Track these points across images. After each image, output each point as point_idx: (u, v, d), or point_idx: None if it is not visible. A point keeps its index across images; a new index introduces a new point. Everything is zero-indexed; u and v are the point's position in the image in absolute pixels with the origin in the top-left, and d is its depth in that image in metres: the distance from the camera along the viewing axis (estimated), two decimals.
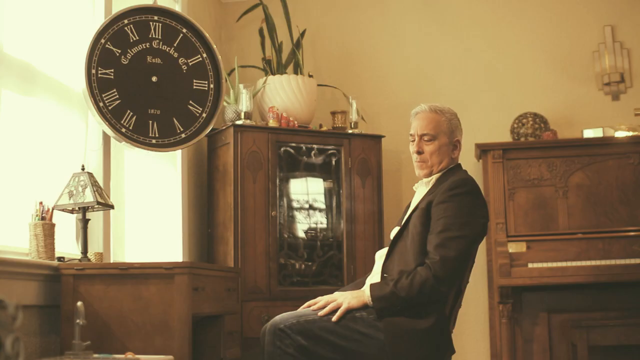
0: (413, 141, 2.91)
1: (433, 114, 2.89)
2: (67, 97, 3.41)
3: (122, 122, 3.52)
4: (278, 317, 2.72)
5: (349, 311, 2.71)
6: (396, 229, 2.91)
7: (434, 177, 2.88)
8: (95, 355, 2.64)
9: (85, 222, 3.11)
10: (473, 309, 4.79)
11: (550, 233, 4.48)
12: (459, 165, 2.94)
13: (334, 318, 2.66)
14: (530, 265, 4.39)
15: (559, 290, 4.58)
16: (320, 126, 4.66)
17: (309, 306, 2.89)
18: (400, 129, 4.70)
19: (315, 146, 4.51)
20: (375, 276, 2.86)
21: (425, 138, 2.87)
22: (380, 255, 2.90)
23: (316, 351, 2.66)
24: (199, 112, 3.84)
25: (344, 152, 4.55)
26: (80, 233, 3.16)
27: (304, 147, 4.48)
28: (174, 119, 3.74)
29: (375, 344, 2.66)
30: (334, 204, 4.51)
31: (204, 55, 3.90)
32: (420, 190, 2.94)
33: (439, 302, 2.69)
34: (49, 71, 3.26)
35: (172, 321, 2.84)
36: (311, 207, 4.48)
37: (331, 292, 3.07)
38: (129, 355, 2.62)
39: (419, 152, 2.88)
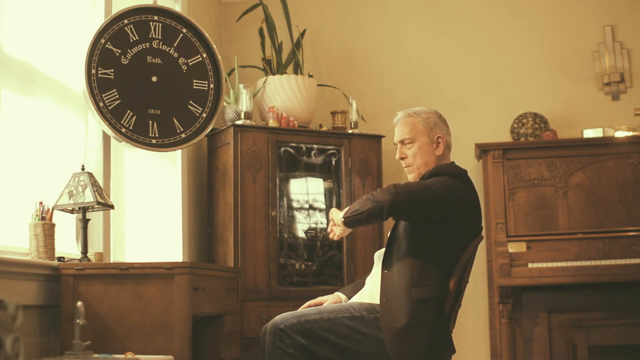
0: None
1: (408, 118, 2.92)
2: (67, 97, 3.41)
3: (122, 122, 3.52)
4: (278, 317, 2.72)
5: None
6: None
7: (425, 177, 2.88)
8: (95, 355, 2.64)
9: (85, 222, 3.11)
10: (473, 309, 4.79)
11: (550, 233, 4.48)
12: (452, 163, 2.92)
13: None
14: (530, 265, 4.39)
15: (559, 290, 4.58)
16: (320, 126, 4.66)
17: (309, 306, 2.89)
18: None
19: (315, 146, 4.50)
20: (374, 277, 2.86)
21: (406, 142, 2.90)
22: (379, 255, 2.90)
23: (316, 351, 2.67)
24: (199, 112, 3.84)
25: (344, 152, 4.54)
26: (80, 233, 3.16)
27: (304, 147, 4.47)
28: (174, 119, 3.74)
29: (375, 344, 2.67)
30: (334, 204, 4.50)
31: (204, 55, 3.90)
32: None
33: (438, 300, 2.69)
34: (49, 71, 3.26)
35: (172, 321, 2.84)
36: (311, 207, 4.48)
37: (331, 292, 3.08)
38: (129, 355, 2.62)
39: (402, 158, 2.90)
